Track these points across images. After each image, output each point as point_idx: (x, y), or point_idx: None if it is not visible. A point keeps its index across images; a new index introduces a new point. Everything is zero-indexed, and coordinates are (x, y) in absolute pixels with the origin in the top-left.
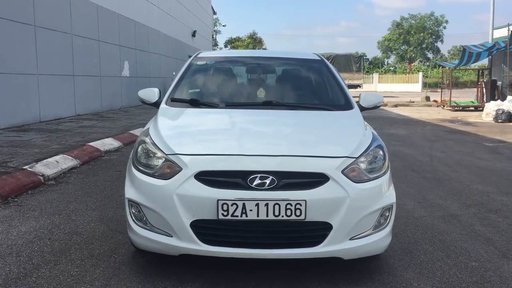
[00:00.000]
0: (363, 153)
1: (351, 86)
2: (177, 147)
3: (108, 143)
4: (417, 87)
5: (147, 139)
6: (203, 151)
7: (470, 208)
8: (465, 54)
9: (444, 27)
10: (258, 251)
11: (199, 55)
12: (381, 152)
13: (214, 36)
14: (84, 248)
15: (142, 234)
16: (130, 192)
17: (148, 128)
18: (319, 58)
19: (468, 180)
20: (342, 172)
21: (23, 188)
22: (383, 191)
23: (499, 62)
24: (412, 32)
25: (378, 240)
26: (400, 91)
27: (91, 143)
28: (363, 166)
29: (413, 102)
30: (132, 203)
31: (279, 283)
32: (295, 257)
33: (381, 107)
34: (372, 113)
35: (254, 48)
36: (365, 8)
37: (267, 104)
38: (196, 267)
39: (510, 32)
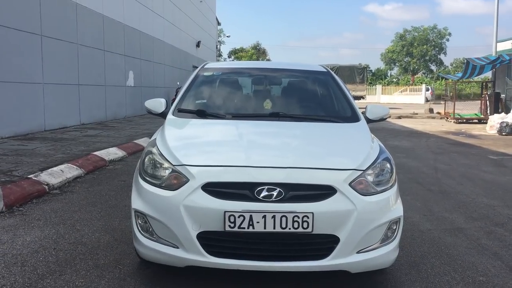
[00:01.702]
0: (370, 165)
1: (354, 98)
2: (184, 158)
3: (112, 153)
4: (420, 99)
5: (154, 150)
6: (211, 163)
7: (476, 221)
8: (469, 67)
9: (447, 40)
10: (264, 263)
11: (205, 66)
12: (388, 165)
13: (218, 46)
14: (89, 258)
15: (148, 245)
16: (136, 203)
17: (155, 138)
18: (325, 70)
19: (474, 193)
20: (350, 184)
21: (28, 197)
22: (390, 204)
23: (503, 75)
24: (415, 44)
25: (385, 254)
26: (403, 102)
27: (96, 153)
28: (370, 178)
29: (417, 114)
30: (139, 213)
31: None
32: (302, 270)
33: None
34: (375, 124)
35: (257, 59)
36: (368, 20)
37: (274, 116)
38: (202, 278)
39: None
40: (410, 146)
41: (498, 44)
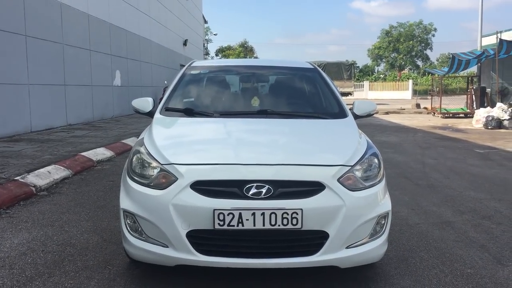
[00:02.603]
0: (358, 161)
1: (342, 94)
2: (172, 157)
3: (100, 153)
4: (407, 94)
5: (142, 149)
6: (199, 161)
7: (464, 214)
8: (455, 62)
9: (433, 35)
10: (254, 260)
11: (192, 64)
12: (376, 160)
13: (206, 45)
14: (78, 259)
15: (137, 245)
16: (125, 203)
17: (143, 138)
18: (313, 67)
19: (461, 186)
20: (338, 180)
21: (15, 199)
22: (378, 199)
23: (488, 69)
24: (401, 40)
25: (374, 248)
26: (390, 98)
27: (83, 153)
28: (358, 174)
29: (404, 109)
30: (127, 213)
31: None
32: (292, 266)
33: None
34: (363, 120)
35: (245, 57)
36: (354, 16)
37: (262, 113)
38: (191, 277)
39: (498, 39)
40: (398, 141)
41: (482, 38)
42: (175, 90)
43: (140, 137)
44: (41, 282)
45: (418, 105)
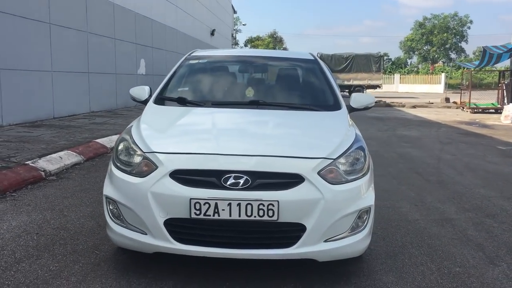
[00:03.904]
0: (342, 154)
1: (370, 87)
2: (154, 145)
3: (115, 140)
4: (439, 88)
5: (128, 137)
6: (180, 150)
7: (468, 212)
8: (486, 55)
9: (469, 27)
10: (230, 250)
11: (192, 54)
12: (362, 153)
13: (234, 35)
14: (68, 243)
15: (118, 231)
16: (107, 189)
17: (131, 126)
18: (313, 58)
19: (472, 184)
20: (319, 173)
21: (23, 183)
22: (361, 193)
23: None
24: (435, 32)
25: (354, 243)
26: (421, 92)
27: (98, 140)
28: (342, 167)
29: (432, 103)
30: (110, 200)
31: (254, 283)
32: (268, 257)
33: (398, 108)
34: (388, 114)
35: (274, 48)
36: (390, 7)
37: (254, 104)
38: (174, 265)
39: None
40: (418, 135)
41: None
42: (171, 79)
43: (129, 125)
44: (28, 264)
45: (447, 99)
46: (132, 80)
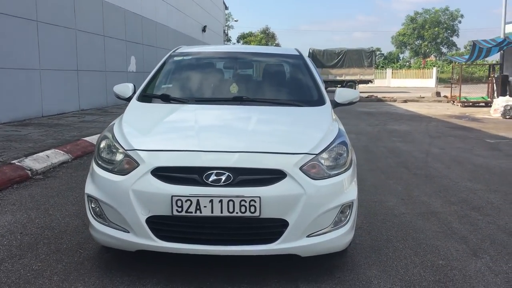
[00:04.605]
0: (324, 149)
1: (362, 82)
2: (136, 143)
3: None
4: (431, 82)
5: (109, 135)
6: (161, 147)
7: (453, 205)
8: (475, 49)
9: (460, 22)
10: (212, 247)
11: (177, 50)
12: (344, 148)
13: (226, 31)
14: (52, 242)
15: (100, 230)
16: (89, 188)
17: (114, 123)
18: (298, 54)
19: (459, 177)
20: (301, 168)
21: (9, 182)
22: (343, 188)
23: (511, 57)
24: (426, 26)
25: (337, 238)
26: (413, 86)
27: (86, 138)
28: (324, 162)
29: (423, 97)
30: (92, 198)
31: (237, 280)
32: (250, 253)
33: (389, 103)
34: (379, 108)
35: (266, 44)
36: (382, 2)
37: (237, 100)
38: (158, 262)
39: None
40: (409, 130)
41: (506, 26)
42: (155, 76)
43: (112, 123)
44: (10, 264)
45: (438, 94)
46: (122, 78)
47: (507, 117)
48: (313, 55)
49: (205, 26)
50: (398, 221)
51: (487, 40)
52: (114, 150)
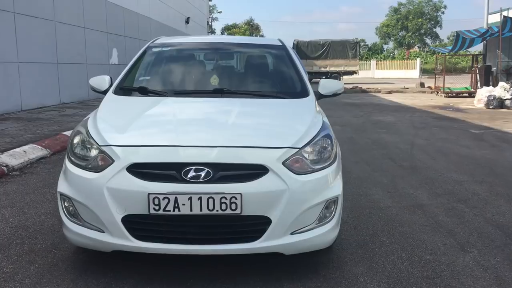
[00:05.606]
0: (308, 143)
1: (346, 73)
2: (111, 138)
3: None
4: (415, 73)
5: (83, 130)
6: (137, 142)
7: (439, 197)
8: (459, 40)
9: (443, 12)
10: (192, 247)
11: (155, 42)
12: (329, 142)
13: (210, 23)
14: (26, 243)
15: (74, 230)
16: (62, 186)
17: (88, 118)
18: (281, 44)
19: (444, 168)
20: (284, 163)
21: None
22: (328, 183)
23: (494, 47)
24: (410, 17)
25: (322, 234)
26: (397, 77)
27: (66, 132)
28: (307, 156)
29: (408, 88)
30: (65, 197)
31: (219, 280)
32: (232, 252)
33: (374, 94)
34: (364, 100)
35: (251, 35)
36: None
37: (218, 92)
38: (136, 263)
39: (502, 17)
40: (393, 121)
41: (490, 16)
42: (132, 68)
43: (86, 118)
44: None
45: (422, 84)
46: (104, 70)
47: (491, 107)
48: (297, 46)
49: (188, 18)
50: (384, 215)
51: (470, 30)
52: (88, 146)
